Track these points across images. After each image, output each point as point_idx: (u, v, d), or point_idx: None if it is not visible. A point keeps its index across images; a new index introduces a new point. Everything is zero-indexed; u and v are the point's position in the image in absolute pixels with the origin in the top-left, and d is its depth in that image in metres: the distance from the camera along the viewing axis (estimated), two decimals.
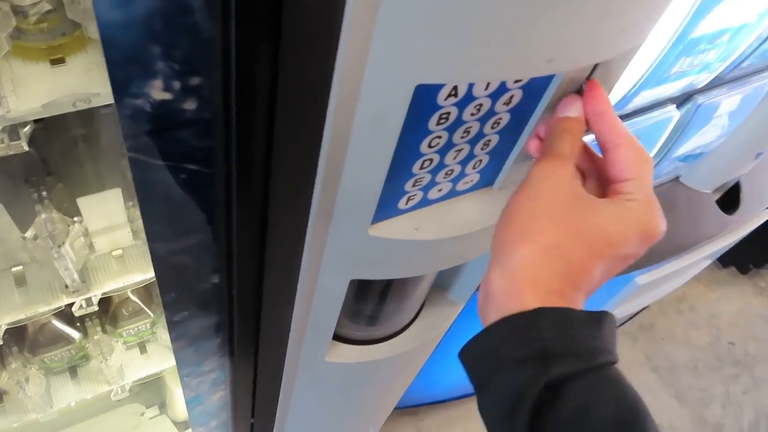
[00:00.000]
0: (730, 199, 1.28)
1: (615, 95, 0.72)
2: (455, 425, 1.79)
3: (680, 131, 0.94)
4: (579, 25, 0.37)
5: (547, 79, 0.45)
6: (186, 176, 0.42)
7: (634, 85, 0.70)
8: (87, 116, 0.86)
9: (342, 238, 0.51)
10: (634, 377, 1.95)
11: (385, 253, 0.54)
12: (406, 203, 0.51)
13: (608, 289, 1.33)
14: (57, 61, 0.54)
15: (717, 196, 1.28)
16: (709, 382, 2.05)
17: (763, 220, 1.45)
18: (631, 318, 2.05)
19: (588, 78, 0.45)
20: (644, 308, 2.00)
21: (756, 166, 1.24)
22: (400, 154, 0.44)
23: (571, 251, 0.39)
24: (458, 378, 1.69)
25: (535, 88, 0.45)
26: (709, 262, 1.62)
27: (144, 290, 1.01)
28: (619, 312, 1.53)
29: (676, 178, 1.20)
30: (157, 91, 0.35)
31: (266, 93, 0.36)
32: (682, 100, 0.90)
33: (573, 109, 0.43)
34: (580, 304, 0.39)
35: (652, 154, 0.98)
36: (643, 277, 1.23)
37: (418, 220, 0.53)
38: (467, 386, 1.90)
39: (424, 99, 0.40)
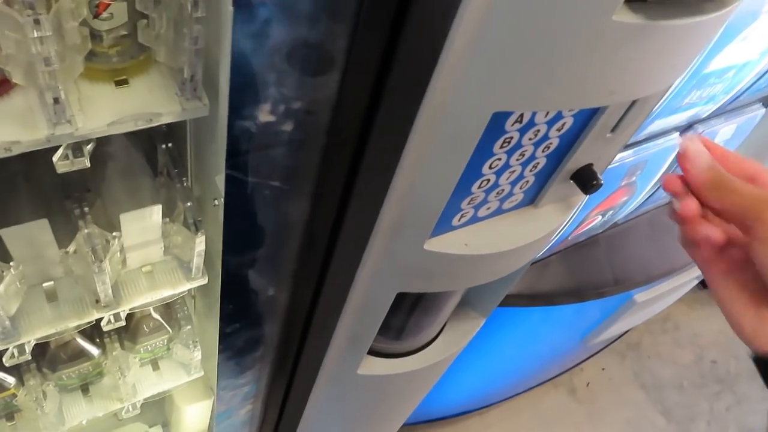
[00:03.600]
0: None
1: None
2: None
3: None
4: (640, 63, 0.41)
5: (596, 109, 0.49)
6: (269, 192, 0.45)
7: (651, 114, 0.75)
8: (114, 135, 0.88)
9: (399, 252, 0.54)
10: (624, 395, 2.00)
11: (434, 267, 0.57)
12: (459, 220, 0.55)
13: (607, 307, 1.38)
14: (121, 83, 0.57)
15: None
16: (694, 400, 2.11)
17: None
18: (620, 337, 2.10)
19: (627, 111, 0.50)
20: (632, 327, 2.06)
21: None
22: (464, 174, 0.47)
23: None
24: (456, 396, 1.71)
25: (584, 116, 0.50)
26: (696, 281, 1.69)
27: (163, 307, 1.01)
28: (615, 330, 1.58)
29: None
30: (265, 114, 0.38)
31: (362, 117, 0.39)
32: (685, 128, 0.96)
33: (704, 159, 0.43)
34: None
35: (655, 178, 1.04)
36: (641, 295, 1.28)
37: (467, 236, 0.56)
38: (463, 404, 1.93)
39: (495, 124, 0.44)
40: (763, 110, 1.06)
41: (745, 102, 1.00)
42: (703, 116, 0.91)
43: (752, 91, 0.93)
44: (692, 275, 1.41)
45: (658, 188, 1.09)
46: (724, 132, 1.01)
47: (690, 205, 0.45)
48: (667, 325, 2.31)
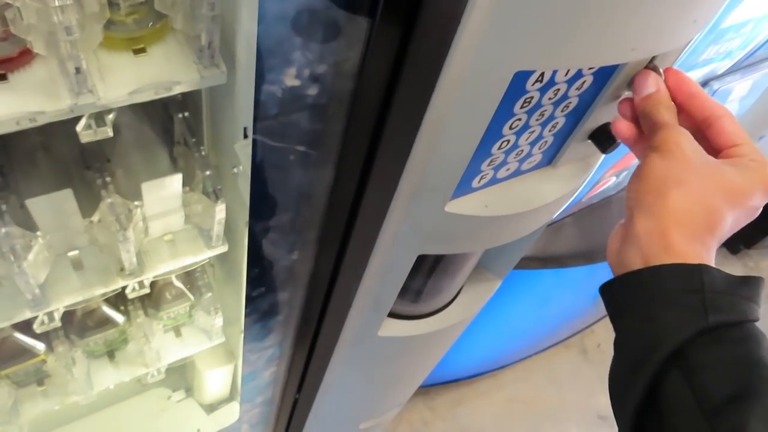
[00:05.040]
0: None
1: None
2: (465, 403, 1.85)
3: None
4: (661, 17, 0.41)
5: (615, 67, 0.49)
6: (294, 157, 0.45)
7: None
8: (129, 106, 0.89)
9: (420, 214, 0.55)
10: None
11: (455, 229, 0.58)
12: (479, 182, 0.55)
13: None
14: (139, 51, 0.57)
15: None
16: None
17: None
18: None
19: (649, 65, 0.50)
20: None
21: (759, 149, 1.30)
22: (485, 135, 0.48)
23: (710, 200, 0.43)
24: (469, 358, 1.75)
25: (603, 75, 0.50)
26: None
27: (185, 275, 1.03)
28: None
29: None
30: (290, 78, 0.38)
31: (387, 79, 0.40)
32: (701, 85, 0.95)
33: (653, 85, 0.47)
34: (713, 250, 0.44)
35: None
36: None
37: (487, 198, 0.57)
38: (476, 366, 1.96)
39: (516, 84, 0.44)
40: None
41: (761, 57, 0.99)
42: (719, 73, 0.90)
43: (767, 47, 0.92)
44: None
45: None
46: (740, 88, 1.00)
47: (620, 127, 0.50)
48: None
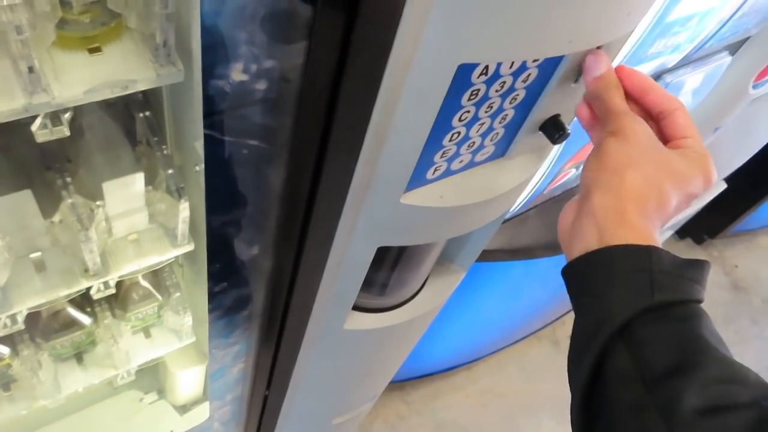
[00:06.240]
0: None
1: None
2: (441, 397, 1.87)
3: None
4: (595, 10, 0.43)
5: (558, 60, 0.51)
6: (247, 152, 0.46)
7: (617, 65, 0.77)
8: (88, 106, 0.88)
9: (376, 207, 0.56)
10: None
11: (412, 220, 0.60)
12: (433, 173, 0.57)
13: None
14: (94, 50, 0.57)
15: None
16: None
17: (718, 191, 1.57)
18: None
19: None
20: None
21: (714, 140, 1.34)
22: (435, 127, 0.49)
23: (661, 182, 0.47)
24: (442, 352, 1.77)
25: (548, 67, 0.52)
26: (670, 233, 1.74)
27: (152, 275, 1.03)
28: None
29: None
30: (237, 73, 0.39)
31: (333, 74, 0.41)
32: (654, 79, 0.98)
33: (602, 66, 0.50)
34: (659, 230, 0.47)
35: None
36: None
37: (442, 189, 0.59)
38: (450, 359, 1.99)
39: (461, 77, 0.45)
40: (729, 58, 1.09)
41: (712, 50, 1.02)
42: (670, 66, 0.93)
43: (717, 38, 0.95)
44: (666, 225, 1.45)
45: None
46: (691, 81, 1.04)
47: (581, 111, 0.54)
48: None
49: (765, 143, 1.58)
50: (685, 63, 0.99)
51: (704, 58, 1.04)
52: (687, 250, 2.51)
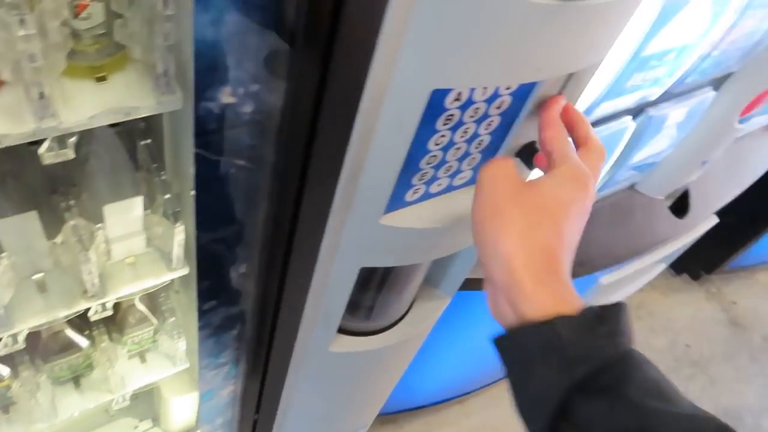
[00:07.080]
0: (680, 205, 1.42)
1: (581, 105, 0.83)
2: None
3: (635, 141, 1.06)
4: (562, 41, 0.47)
5: (530, 87, 0.55)
6: (235, 171, 0.50)
7: (597, 97, 0.81)
8: (95, 134, 0.93)
9: (356, 228, 0.59)
10: None
11: (393, 242, 0.63)
12: (412, 196, 0.60)
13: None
14: (100, 79, 0.61)
15: (669, 202, 1.41)
16: None
17: (711, 225, 1.59)
18: None
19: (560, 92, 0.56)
20: None
21: (702, 174, 1.38)
22: (412, 151, 0.53)
23: (540, 226, 0.46)
24: (434, 383, 1.76)
25: (521, 95, 0.55)
26: (664, 266, 1.75)
27: (148, 299, 1.06)
28: None
29: (632, 186, 1.33)
30: (226, 96, 0.43)
31: (313, 100, 0.44)
32: (637, 112, 1.02)
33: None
34: (569, 267, 0.47)
35: (611, 162, 1.10)
36: (606, 278, 1.34)
37: (421, 211, 0.62)
38: (444, 392, 1.98)
39: (435, 102, 0.49)
40: (713, 93, 1.13)
41: (695, 85, 1.06)
42: (652, 99, 0.97)
43: (700, 74, 0.99)
44: (658, 257, 1.47)
45: (616, 172, 1.15)
46: (675, 115, 1.07)
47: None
48: (641, 311, 2.38)
49: (757, 177, 1.60)
50: (667, 97, 1.03)
51: (687, 93, 1.08)
52: (684, 287, 2.51)
